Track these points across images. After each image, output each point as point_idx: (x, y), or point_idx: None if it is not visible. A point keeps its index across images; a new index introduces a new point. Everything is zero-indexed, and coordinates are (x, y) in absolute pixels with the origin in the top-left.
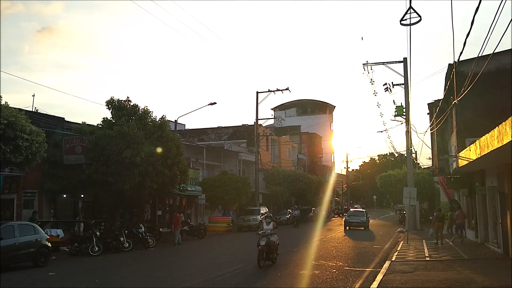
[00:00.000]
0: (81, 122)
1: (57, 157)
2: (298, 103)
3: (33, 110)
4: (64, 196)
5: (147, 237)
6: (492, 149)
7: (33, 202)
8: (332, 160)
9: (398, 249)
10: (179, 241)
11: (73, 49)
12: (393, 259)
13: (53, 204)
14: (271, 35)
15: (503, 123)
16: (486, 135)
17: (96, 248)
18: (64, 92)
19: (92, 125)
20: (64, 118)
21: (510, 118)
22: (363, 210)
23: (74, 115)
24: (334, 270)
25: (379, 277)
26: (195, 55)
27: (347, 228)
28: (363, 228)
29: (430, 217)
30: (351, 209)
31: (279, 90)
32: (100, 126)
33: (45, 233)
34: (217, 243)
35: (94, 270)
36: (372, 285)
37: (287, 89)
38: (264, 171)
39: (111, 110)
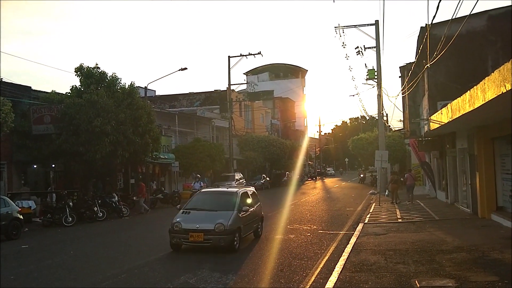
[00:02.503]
0: (49, 91)
1: (26, 127)
2: (271, 67)
3: None
4: (35, 166)
5: (120, 206)
6: (464, 112)
7: (2, 174)
8: (305, 125)
9: (371, 211)
10: (144, 210)
11: (36, 14)
12: (366, 221)
13: (23, 175)
14: None
15: (475, 87)
16: (457, 99)
17: (70, 219)
18: (29, 60)
19: (61, 93)
20: (31, 87)
21: (482, 82)
22: (237, 191)
23: (41, 83)
24: (309, 234)
25: (353, 240)
26: (164, 19)
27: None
28: (222, 243)
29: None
30: (198, 193)
31: (251, 54)
32: (69, 94)
33: (16, 205)
34: None
35: (69, 241)
36: (346, 248)
37: (259, 53)
38: (237, 137)
39: (80, 78)
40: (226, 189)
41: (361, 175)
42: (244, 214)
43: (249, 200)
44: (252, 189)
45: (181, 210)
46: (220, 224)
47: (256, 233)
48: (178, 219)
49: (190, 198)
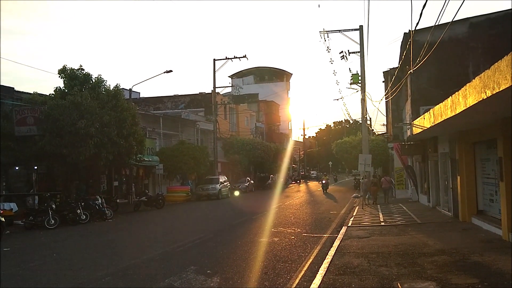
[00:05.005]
0: (32, 92)
1: (8, 129)
2: (256, 71)
3: None
4: (17, 168)
5: (104, 209)
6: (445, 118)
7: None
8: (290, 128)
9: (354, 214)
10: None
11: (19, 13)
12: (350, 224)
13: (5, 177)
14: (228, 1)
15: (456, 93)
16: (439, 104)
17: (53, 221)
18: (12, 61)
19: (44, 94)
20: (13, 88)
21: (463, 88)
22: None
23: (23, 84)
24: (293, 237)
25: (337, 243)
26: (149, 21)
27: None
28: None
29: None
30: None
31: (236, 57)
32: (53, 96)
33: None
34: (175, 213)
35: (51, 243)
36: (329, 251)
37: (244, 56)
38: (222, 140)
39: (63, 79)
40: None
41: (323, 181)
42: None
43: None
44: None
45: None
46: None
47: None
48: None
49: None
